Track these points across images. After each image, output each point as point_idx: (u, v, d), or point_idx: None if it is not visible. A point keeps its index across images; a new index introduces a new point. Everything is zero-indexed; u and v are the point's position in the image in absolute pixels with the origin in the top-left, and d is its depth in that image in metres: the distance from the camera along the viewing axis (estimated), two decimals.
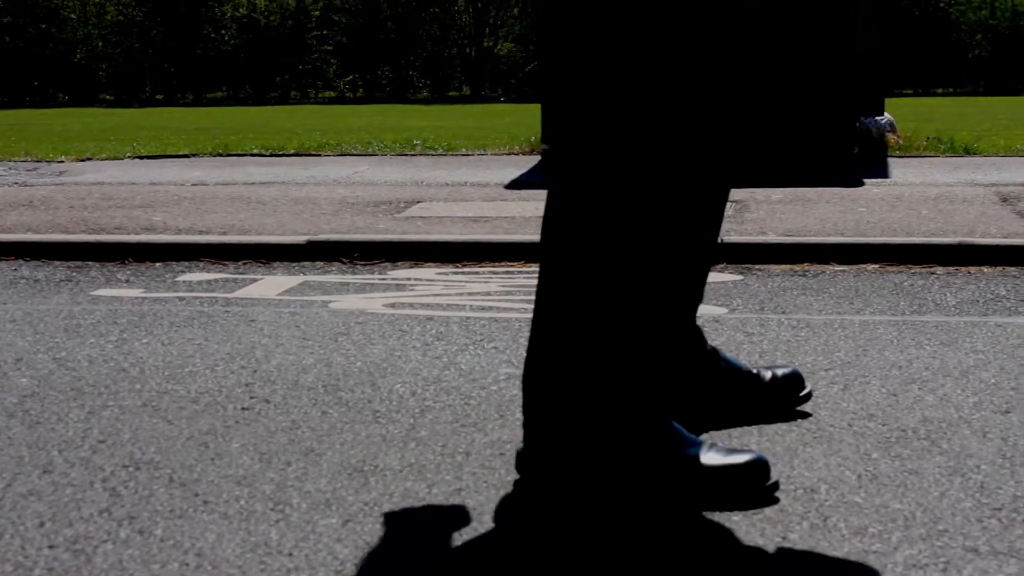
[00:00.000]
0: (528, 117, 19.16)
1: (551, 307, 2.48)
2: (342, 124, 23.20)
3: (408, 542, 2.31)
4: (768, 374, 3.10)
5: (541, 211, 6.80)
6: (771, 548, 2.26)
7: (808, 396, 3.16)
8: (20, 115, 32.67)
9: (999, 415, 3.15)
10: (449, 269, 5.71)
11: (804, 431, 3.00)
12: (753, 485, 2.53)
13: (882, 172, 9.60)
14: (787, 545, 2.28)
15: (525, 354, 2.59)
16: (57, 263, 6.00)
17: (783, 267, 5.66)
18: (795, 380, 3.14)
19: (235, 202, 8.01)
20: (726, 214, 7.03)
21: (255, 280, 5.49)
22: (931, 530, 2.34)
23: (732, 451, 2.57)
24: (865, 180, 8.83)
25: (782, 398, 3.12)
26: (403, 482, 2.66)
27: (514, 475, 2.69)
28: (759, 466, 2.54)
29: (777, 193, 8.04)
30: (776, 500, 2.52)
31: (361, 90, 62.48)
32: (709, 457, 2.52)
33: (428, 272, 5.63)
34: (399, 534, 2.36)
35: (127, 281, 5.50)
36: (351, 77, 62.96)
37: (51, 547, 2.30)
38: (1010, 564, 2.18)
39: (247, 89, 60.11)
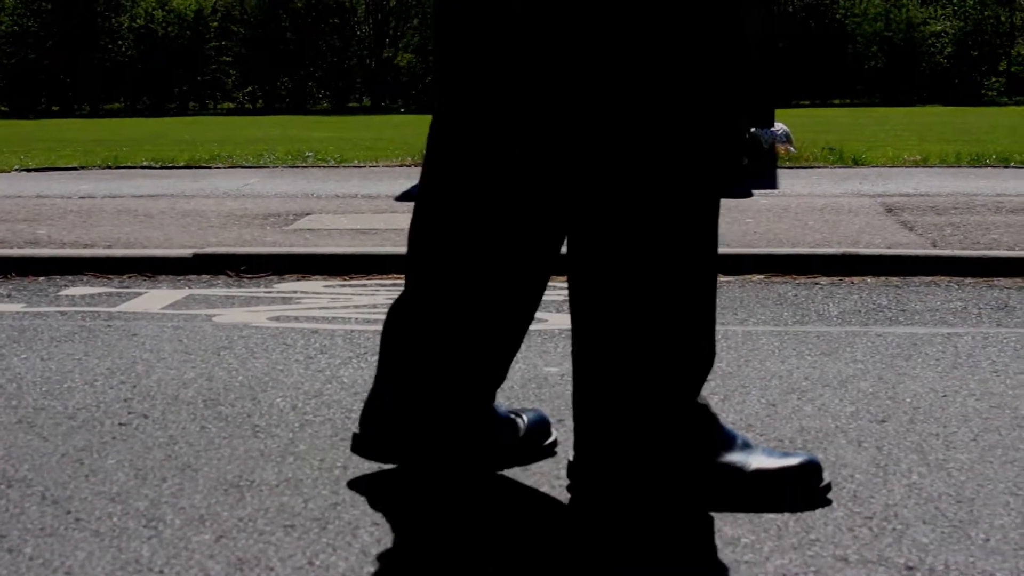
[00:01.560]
0: (425, 128, 19.15)
1: (593, 319, 2.56)
2: (239, 135, 23.09)
3: (281, 557, 2.30)
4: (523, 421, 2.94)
5: None
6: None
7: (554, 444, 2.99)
8: None
9: (875, 424, 3.19)
10: (336, 282, 5.69)
11: None
12: (805, 487, 2.59)
13: (771, 183, 9.71)
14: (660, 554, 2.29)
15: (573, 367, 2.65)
16: None
17: None
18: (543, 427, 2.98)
19: (122, 215, 7.94)
20: None
21: (139, 294, 5.43)
22: (803, 539, 2.36)
23: (785, 454, 2.64)
24: (754, 191, 8.92)
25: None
26: (279, 497, 2.64)
27: (389, 490, 2.69)
28: (812, 468, 2.61)
29: None
30: (828, 501, 2.59)
31: (261, 101, 62.23)
32: (760, 460, 2.59)
33: (315, 285, 5.61)
34: (272, 549, 2.34)
35: (8, 296, 5.42)
36: (250, 88, 62.67)
37: None
38: (878, 572, 2.20)
39: (145, 100, 59.67)
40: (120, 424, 3.25)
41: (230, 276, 5.84)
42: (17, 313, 4.98)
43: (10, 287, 5.65)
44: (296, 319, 4.78)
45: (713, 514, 2.50)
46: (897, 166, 11.66)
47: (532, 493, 2.66)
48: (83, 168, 12.81)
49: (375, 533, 2.42)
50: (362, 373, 3.82)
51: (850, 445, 3.00)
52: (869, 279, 5.63)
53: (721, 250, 5.86)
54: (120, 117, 46.77)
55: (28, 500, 2.64)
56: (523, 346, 4.16)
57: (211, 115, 52.23)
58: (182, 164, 12.95)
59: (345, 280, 5.74)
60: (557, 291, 5.17)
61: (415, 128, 24.26)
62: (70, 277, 5.90)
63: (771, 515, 2.49)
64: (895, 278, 5.65)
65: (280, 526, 2.46)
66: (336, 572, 2.24)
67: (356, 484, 2.73)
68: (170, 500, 2.63)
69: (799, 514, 2.49)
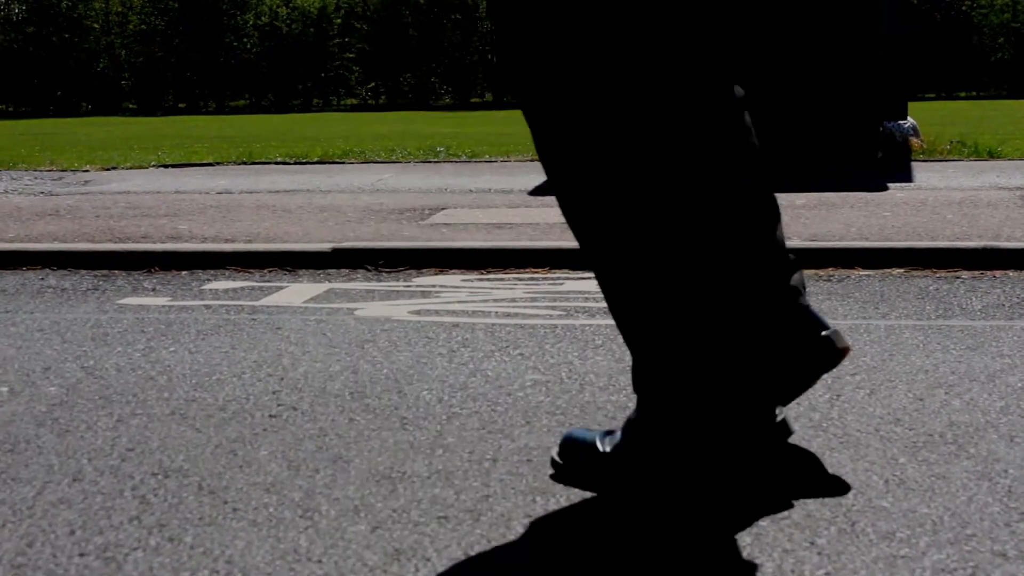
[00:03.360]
0: None
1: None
2: (365, 131, 23.25)
3: (437, 548, 2.32)
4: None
5: None
6: (799, 552, 2.27)
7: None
8: (44, 124, 32.82)
9: None
10: (474, 276, 5.72)
11: (831, 436, 3.00)
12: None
13: (906, 176, 9.60)
14: (815, 550, 2.28)
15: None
16: (84, 272, 6.03)
17: (808, 272, 5.65)
18: None
19: (260, 210, 8.04)
20: None
21: (281, 288, 5.50)
22: (959, 534, 2.34)
23: None
24: (889, 184, 8.83)
25: None
26: (431, 489, 2.66)
27: (541, 481, 2.70)
28: None
29: (801, 198, 8.03)
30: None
31: (383, 97, 62.56)
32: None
33: (453, 279, 5.64)
34: (428, 540, 2.36)
35: (153, 290, 5.52)
36: (373, 84, 63.03)
37: (82, 555, 2.31)
38: None
39: (269, 97, 60.27)
40: (270, 416, 3.30)
41: (369, 270, 5.90)
42: (163, 306, 5.07)
43: (154, 281, 5.75)
44: (437, 313, 4.81)
45: (860, 509, 2.49)
46: None
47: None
48: (218, 164, 13.00)
49: (528, 525, 2.44)
50: (505, 367, 3.84)
51: (1002, 440, 2.96)
52: (1011, 273, 5.54)
53: (860, 244, 5.88)
54: (245, 114, 47.28)
55: (186, 490, 2.68)
56: None
57: (335, 111, 52.63)
58: (315, 160, 13.10)
59: (483, 274, 5.77)
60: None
61: None
62: (212, 271, 5.99)
63: (925, 510, 2.47)
64: None
65: (434, 517, 2.49)
66: (492, 564, 2.25)
67: (506, 476, 2.75)
68: (324, 491, 2.66)
69: (954, 509, 2.47)
